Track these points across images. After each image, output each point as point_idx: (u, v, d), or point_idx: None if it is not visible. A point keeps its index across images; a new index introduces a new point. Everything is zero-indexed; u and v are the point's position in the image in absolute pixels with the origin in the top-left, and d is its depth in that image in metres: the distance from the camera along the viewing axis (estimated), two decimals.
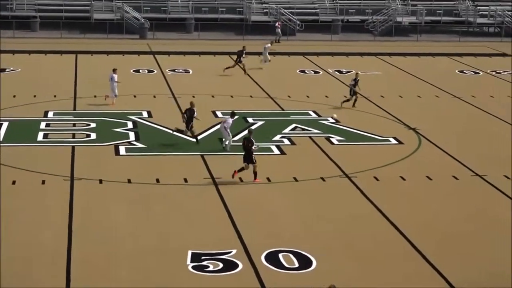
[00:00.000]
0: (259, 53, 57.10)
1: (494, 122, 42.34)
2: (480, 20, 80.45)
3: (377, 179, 32.23)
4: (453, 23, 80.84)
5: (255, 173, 31.34)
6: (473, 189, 31.63)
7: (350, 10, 79.03)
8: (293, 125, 39.84)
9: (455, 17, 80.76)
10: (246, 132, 34.82)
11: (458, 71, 58.67)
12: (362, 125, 40.69)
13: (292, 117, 41.81)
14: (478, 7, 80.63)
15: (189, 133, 36.62)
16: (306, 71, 55.97)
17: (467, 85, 52.71)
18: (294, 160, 33.72)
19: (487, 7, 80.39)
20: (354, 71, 47.08)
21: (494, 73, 58.00)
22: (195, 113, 36.70)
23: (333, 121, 40.88)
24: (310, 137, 38.26)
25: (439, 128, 40.40)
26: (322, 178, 32.16)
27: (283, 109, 44.08)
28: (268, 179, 31.75)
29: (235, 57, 54.45)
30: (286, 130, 38.78)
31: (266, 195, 30.36)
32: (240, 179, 31.39)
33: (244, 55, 54.03)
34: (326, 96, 47.47)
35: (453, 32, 79.47)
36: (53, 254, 23.68)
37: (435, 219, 27.93)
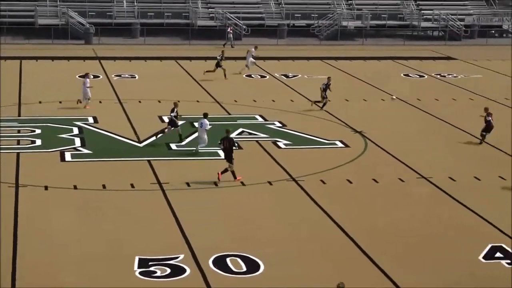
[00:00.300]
0: (205, 58, 57.15)
1: (439, 124, 42.68)
2: (424, 24, 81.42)
3: (324, 183, 32.32)
4: (398, 27, 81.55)
5: (232, 172, 31.83)
6: (419, 191, 31.85)
7: (295, 15, 79.39)
8: (240, 130, 39.88)
9: (399, 21, 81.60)
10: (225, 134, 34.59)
11: (403, 75, 59.20)
12: (309, 129, 40.86)
13: (239, 122, 41.80)
14: (422, 11, 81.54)
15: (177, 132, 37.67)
16: (252, 75, 55.99)
17: (412, 88, 53.09)
18: (241, 164, 33.69)
19: (431, 11, 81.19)
20: (326, 76, 47.03)
21: (438, 76, 58.59)
22: (174, 113, 37.41)
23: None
24: (257, 141, 38.33)
25: (385, 131, 40.67)
26: (270, 182, 32.19)
27: (230, 114, 44.10)
28: (214, 183, 31.72)
29: (214, 62, 54.72)
30: (233, 135, 38.74)
31: (213, 199, 30.26)
32: (187, 183, 31.40)
33: (223, 59, 54.47)
34: (273, 100, 47.59)
35: (398, 36, 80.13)
36: None
37: (382, 221, 28.12)
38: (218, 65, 53.88)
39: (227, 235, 26.46)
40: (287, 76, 56.46)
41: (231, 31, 71.35)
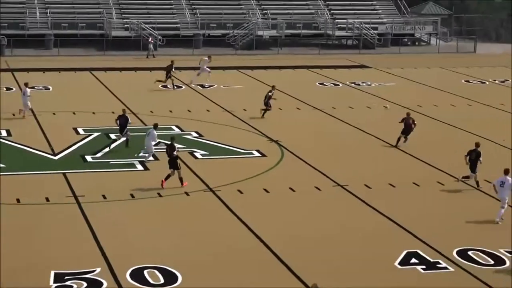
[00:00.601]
0: (120, 69, 56.97)
1: (354, 133, 43.09)
2: (338, 33, 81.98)
3: (241, 192, 32.36)
4: (313, 36, 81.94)
5: (180, 179, 32.21)
6: (335, 200, 32.08)
7: (211, 25, 79.36)
8: (157, 141, 39.68)
9: (314, 30, 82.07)
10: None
11: (319, 83, 59.54)
12: (225, 138, 40.87)
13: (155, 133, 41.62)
14: (336, 21, 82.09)
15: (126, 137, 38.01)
16: (168, 86, 55.80)
17: (328, 97, 53.46)
18: (158, 175, 33.56)
19: (345, 20, 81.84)
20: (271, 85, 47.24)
21: (353, 84, 59.11)
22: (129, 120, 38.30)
23: None
24: None
25: (301, 140, 40.78)
26: (186, 193, 32.12)
27: (146, 125, 43.88)
28: (131, 195, 31.57)
29: (164, 73, 55.02)
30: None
31: (130, 211, 30.10)
32: (103, 196, 31.18)
33: (173, 70, 54.52)
34: (189, 111, 47.53)
35: (312, 45, 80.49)
36: None
37: (300, 229, 28.24)
38: (169, 76, 54.25)
39: (144, 247, 26.27)
40: (203, 86, 56.40)
41: (151, 41, 71.06)
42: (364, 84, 59.12)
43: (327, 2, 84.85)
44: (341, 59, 72.84)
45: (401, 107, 49.83)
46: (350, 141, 41.10)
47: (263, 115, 45.52)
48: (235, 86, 57.00)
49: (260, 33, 78.89)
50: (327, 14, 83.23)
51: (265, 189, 32.83)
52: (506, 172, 29.13)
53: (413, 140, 39.44)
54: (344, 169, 35.76)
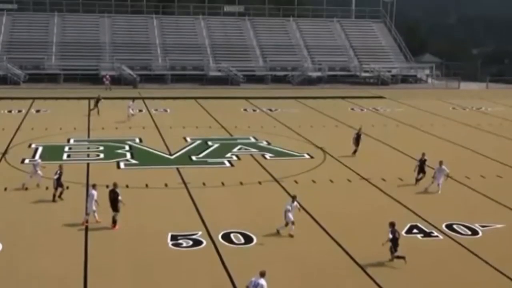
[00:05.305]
0: (215, 98, 57.13)
1: (374, 142, 42.70)
2: (364, 74, 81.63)
3: (296, 182, 32.23)
4: (346, 76, 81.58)
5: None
6: (361, 188, 31.72)
7: (276, 68, 79.66)
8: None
9: (347, 72, 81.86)
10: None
11: (350, 109, 59.36)
12: (286, 145, 40.83)
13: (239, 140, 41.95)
14: (363, 66, 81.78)
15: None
16: (247, 109, 55.84)
17: (356, 118, 52.91)
18: (241, 171, 33.38)
19: (369, 66, 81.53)
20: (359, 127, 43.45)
21: (374, 109, 58.71)
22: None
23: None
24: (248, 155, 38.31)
25: (338, 148, 40.05)
26: (259, 182, 32.06)
27: (231, 135, 44.04)
28: (222, 183, 31.51)
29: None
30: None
31: (221, 194, 30.00)
32: (203, 183, 31.27)
33: (101, 101, 51.98)
34: (262, 127, 47.66)
35: (346, 82, 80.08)
36: None
37: (335, 207, 28.03)
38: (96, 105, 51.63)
39: (231, 218, 26.15)
40: (270, 110, 56.46)
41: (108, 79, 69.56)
42: (381, 109, 58.70)
43: (356, 53, 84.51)
44: (365, 92, 72.49)
45: (408, 125, 49.64)
46: (372, 147, 40.61)
47: (354, 152, 38.61)
48: (293, 110, 56.98)
49: (310, 73, 78.98)
50: (356, 61, 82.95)
51: (313, 180, 32.72)
52: (441, 163, 30.87)
53: (412, 146, 39.09)
54: (367, 168, 35.39)
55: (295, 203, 24.47)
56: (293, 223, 24.06)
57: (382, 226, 23.23)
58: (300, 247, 23.19)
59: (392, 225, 21.85)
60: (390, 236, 21.58)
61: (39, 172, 29.86)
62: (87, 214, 24.86)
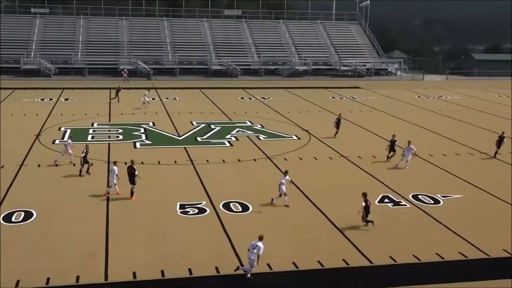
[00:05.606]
0: (217, 88, 56.51)
1: (352, 126, 42.44)
2: (343, 68, 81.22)
3: (285, 159, 32.10)
4: (328, 69, 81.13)
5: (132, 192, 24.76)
6: (341, 164, 31.60)
7: (268, 62, 79.16)
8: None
9: (329, 66, 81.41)
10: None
11: (331, 97, 58.89)
12: (277, 128, 40.58)
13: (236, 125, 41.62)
14: (342, 60, 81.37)
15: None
16: (244, 97, 55.71)
17: (336, 105, 52.77)
18: (239, 150, 33.16)
19: (346, 60, 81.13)
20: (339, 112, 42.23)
21: (351, 98, 58.42)
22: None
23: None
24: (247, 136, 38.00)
25: (321, 130, 39.93)
26: (254, 159, 31.93)
27: (230, 119, 43.83)
28: (223, 160, 31.35)
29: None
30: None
31: (222, 169, 29.76)
32: (207, 160, 31.08)
33: (121, 91, 51.37)
34: (256, 112, 47.33)
35: (328, 74, 79.73)
36: None
37: (317, 180, 27.91)
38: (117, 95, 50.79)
39: (231, 189, 26.02)
40: (264, 98, 56.19)
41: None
42: (358, 98, 58.41)
43: (336, 49, 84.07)
44: (344, 83, 72.07)
45: (380, 111, 49.45)
46: (350, 131, 40.55)
47: (335, 134, 38.12)
48: (283, 98, 56.71)
49: (297, 67, 78.57)
50: (336, 57, 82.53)
51: (300, 158, 32.59)
52: (409, 143, 30.88)
53: (384, 129, 39.01)
54: (346, 147, 35.29)
55: (287, 176, 24.27)
56: (285, 194, 23.97)
57: (358, 197, 23.12)
58: (289, 215, 23.11)
59: (364, 195, 21.83)
60: (363, 204, 21.58)
61: (70, 151, 29.68)
62: (109, 186, 24.78)
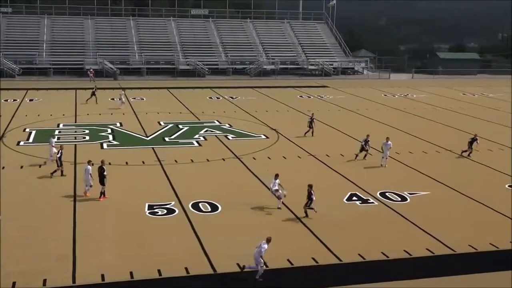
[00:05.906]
0: (184, 87, 56.10)
1: (320, 124, 42.62)
2: (310, 67, 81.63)
3: (254, 158, 32.18)
4: (295, 69, 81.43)
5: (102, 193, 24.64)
6: (308, 163, 31.73)
7: (236, 62, 79.13)
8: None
9: (296, 65, 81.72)
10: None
11: (299, 96, 59.16)
12: (245, 127, 40.57)
13: (205, 125, 41.51)
14: (309, 60, 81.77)
15: None
16: (212, 97, 55.57)
17: (304, 104, 53.09)
18: (207, 150, 33.01)
19: (314, 60, 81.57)
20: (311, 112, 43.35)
21: (319, 97, 58.68)
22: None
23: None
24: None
25: (289, 129, 40.16)
26: (223, 159, 31.89)
27: (199, 119, 43.62)
28: (191, 160, 31.23)
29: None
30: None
31: (191, 169, 29.67)
32: (175, 160, 30.89)
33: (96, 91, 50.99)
34: (224, 111, 47.26)
35: (295, 74, 80.00)
36: None
37: (286, 178, 27.95)
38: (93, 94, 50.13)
39: (199, 189, 25.92)
40: (232, 98, 56.15)
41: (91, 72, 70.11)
42: (325, 97, 58.74)
43: (303, 49, 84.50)
44: (311, 82, 72.44)
45: (348, 110, 49.83)
46: (318, 129, 40.61)
47: (306, 133, 38.31)
48: (251, 97, 56.73)
49: (265, 66, 78.69)
50: (304, 56, 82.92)
51: (268, 157, 32.65)
52: (387, 139, 31.26)
53: (351, 127, 39.33)
54: (314, 146, 35.46)
55: (277, 180, 23.88)
56: (279, 197, 23.65)
57: (326, 195, 23.28)
58: (259, 214, 23.13)
59: (310, 186, 22.66)
60: (313, 197, 22.51)
61: (54, 150, 29.19)
62: (86, 186, 24.71)
